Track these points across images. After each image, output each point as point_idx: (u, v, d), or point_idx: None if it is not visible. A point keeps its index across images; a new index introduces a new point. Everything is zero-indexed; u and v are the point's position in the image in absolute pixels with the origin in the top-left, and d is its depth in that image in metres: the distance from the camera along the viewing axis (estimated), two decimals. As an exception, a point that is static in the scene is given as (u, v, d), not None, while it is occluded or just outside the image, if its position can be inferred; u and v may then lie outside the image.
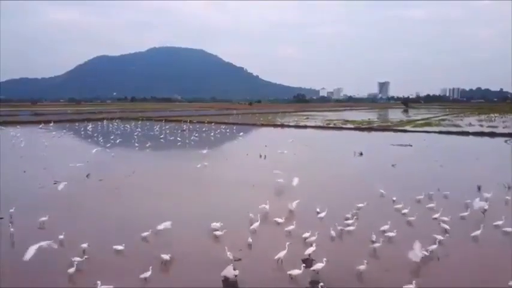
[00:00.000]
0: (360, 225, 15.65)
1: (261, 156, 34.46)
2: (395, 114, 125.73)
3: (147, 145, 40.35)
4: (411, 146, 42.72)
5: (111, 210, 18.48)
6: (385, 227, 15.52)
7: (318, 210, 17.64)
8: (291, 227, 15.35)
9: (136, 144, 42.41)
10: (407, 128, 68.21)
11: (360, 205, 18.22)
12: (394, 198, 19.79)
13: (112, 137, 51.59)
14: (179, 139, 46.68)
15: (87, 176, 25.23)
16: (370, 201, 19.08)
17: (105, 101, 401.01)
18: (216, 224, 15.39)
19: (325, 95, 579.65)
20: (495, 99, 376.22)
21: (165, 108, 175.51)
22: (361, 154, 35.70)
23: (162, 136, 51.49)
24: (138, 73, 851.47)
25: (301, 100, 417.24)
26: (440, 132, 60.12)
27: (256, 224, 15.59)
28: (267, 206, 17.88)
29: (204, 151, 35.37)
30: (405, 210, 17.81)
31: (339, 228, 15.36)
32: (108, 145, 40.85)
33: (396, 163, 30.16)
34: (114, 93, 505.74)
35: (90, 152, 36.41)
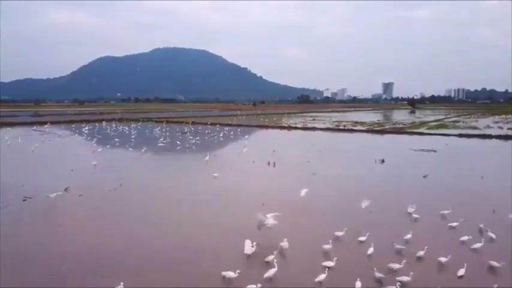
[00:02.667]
0: (416, 273, 11.28)
1: (269, 163, 30.47)
2: (404, 116, 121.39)
3: (143, 150, 36.44)
4: (435, 151, 38.47)
5: (83, 245, 13.95)
6: (461, 272, 11.39)
7: (361, 239, 13.70)
8: (322, 277, 10.95)
9: (131, 149, 38.52)
10: (423, 130, 63.97)
11: (407, 237, 14.02)
12: (454, 224, 15.52)
13: (107, 140, 47.87)
14: (179, 143, 42.76)
15: (65, 189, 21.27)
16: (416, 229, 14.97)
17: (109, 101, 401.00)
18: (229, 274, 11.06)
19: (329, 96, 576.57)
20: (501, 100, 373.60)
21: (168, 109, 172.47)
22: (382, 161, 31.56)
23: (161, 139, 47.62)
24: (142, 74, 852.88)
25: (305, 101, 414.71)
26: (460, 135, 55.79)
27: (272, 271, 11.18)
28: (286, 244, 13.22)
29: (206, 157, 31.43)
30: (477, 245, 13.49)
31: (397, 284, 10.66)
32: (100, 150, 36.97)
33: (427, 173, 25.95)
34: (118, 94, 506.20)
35: (78, 158, 32.67)
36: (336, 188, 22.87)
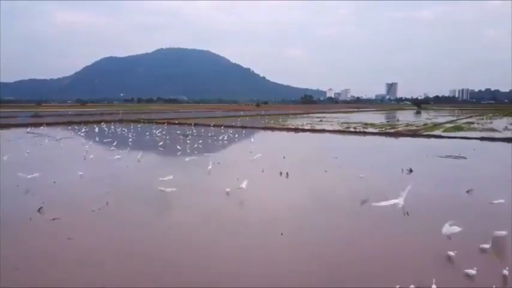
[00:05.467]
0: None
1: (281, 173, 26.68)
2: (411, 117, 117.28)
3: (139, 156, 32.68)
4: (465, 158, 34.48)
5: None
6: None
7: None
8: None
9: (125, 155, 34.72)
10: (440, 133, 59.93)
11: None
12: None
13: (102, 144, 44.36)
14: (179, 148, 39.07)
15: (39, 209, 17.62)
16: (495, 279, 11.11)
17: (112, 102, 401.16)
18: None
19: (333, 96, 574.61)
20: (505, 101, 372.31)
21: (170, 110, 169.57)
22: (410, 171, 27.68)
23: (161, 143, 43.98)
24: (145, 74, 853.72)
25: (309, 101, 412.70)
26: (482, 139, 51.73)
27: None
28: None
29: (209, 166, 27.63)
30: None
31: None
32: (91, 156, 33.30)
33: (468, 186, 22.00)
34: (122, 94, 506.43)
35: (65, 167, 28.99)
36: (368, 208, 18.99)
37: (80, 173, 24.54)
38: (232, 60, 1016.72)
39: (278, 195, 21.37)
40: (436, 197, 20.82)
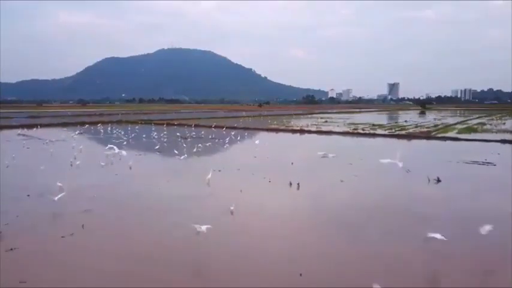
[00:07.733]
0: None
1: (291, 184, 23.31)
2: (418, 117, 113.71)
3: (130, 163, 29.37)
4: (494, 164, 31.00)
5: None
6: None
7: None
8: None
9: (118, 161, 31.42)
10: (455, 135, 56.44)
11: None
12: None
13: (93, 148, 41.15)
14: (176, 152, 35.76)
15: (-3, 235, 14.33)
16: None
17: (113, 102, 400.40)
18: None
19: (334, 96, 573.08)
20: (508, 100, 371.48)
21: (171, 110, 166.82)
22: (438, 180, 24.31)
23: (157, 147, 40.74)
24: (147, 74, 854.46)
25: (311, 101, 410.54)
26: (503, 142, 48.27)
27: None
28: None
29: (209, 175, 24.26)
30: None
31: None
32: (78, 162, 30.03)
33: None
34: (123, 95, 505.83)
35: (46, 175, 25.76)
36: (403, 227, 15.63)
37: (59, 184, 21.16)
38: (234, 61, 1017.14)
39: (289, 215, 17.99)
40: (482, 218, 17.45)
